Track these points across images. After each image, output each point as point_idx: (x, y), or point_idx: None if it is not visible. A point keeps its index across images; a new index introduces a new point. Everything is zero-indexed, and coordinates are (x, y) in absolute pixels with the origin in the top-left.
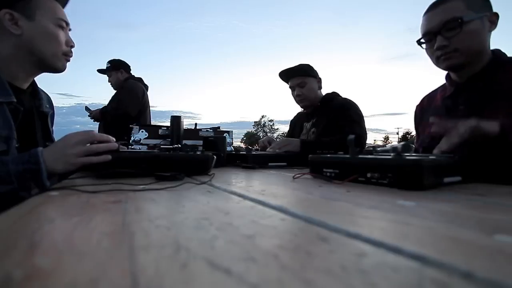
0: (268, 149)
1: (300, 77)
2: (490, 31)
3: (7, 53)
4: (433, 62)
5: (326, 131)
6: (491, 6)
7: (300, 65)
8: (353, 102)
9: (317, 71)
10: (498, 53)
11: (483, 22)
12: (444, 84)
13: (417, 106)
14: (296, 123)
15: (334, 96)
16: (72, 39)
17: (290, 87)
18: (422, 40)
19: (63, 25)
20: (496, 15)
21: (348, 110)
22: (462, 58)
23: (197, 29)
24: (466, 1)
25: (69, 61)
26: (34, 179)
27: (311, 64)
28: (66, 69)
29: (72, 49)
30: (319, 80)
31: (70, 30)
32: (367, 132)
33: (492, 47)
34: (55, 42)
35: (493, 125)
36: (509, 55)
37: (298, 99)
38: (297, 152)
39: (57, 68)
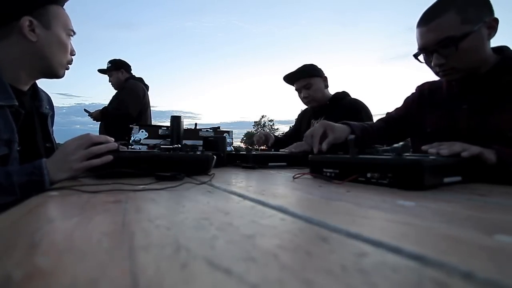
0: (281, 150)
1: (304, 79)
2: (489, 39)
3: (14, 56)
4: (434, 73)
5: None
6: (491, 8)
7: (304, 66)
8: (363, 103)
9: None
10: (507, 52)
11: (481, 33)
12: None
13: (417, 89)
14: (303, 117)
15: (344, 95)
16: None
17: (296, 89)
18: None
19: (72, 34)
20: (496, 20)
21: (360, 112)
22: (460, 73)
23: (197, 29)
24: (461, 13)
25: (68, 69)
26: (37, 190)
27: (315, 64)
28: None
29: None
30: (325, 79)
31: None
32: None
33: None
34: (64, 51)
35: (491, 154)
36: None
37: (306, 100)
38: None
39: (58, 75)
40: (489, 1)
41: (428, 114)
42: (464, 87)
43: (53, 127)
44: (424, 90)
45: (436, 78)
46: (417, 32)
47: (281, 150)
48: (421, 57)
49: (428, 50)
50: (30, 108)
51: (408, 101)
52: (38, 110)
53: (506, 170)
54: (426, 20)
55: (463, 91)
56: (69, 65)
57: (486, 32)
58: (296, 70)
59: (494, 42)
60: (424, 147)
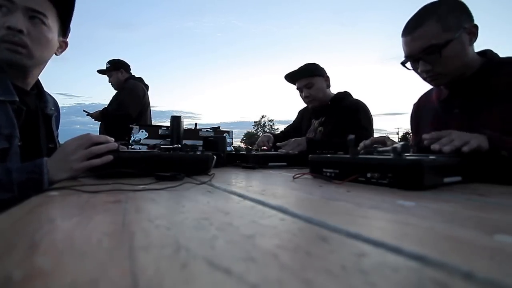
0: (280, 150)
1: (306, 78)
2: (471, 44)
3: None
4: (422, 79)
5: (333, 131)
6: (471, 15)
7: (306, 65)
8: (363, 104)
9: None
10: (490, 55)
11: (462, 39)
12: None
13: (415, 105)
14: (304, 115)
15: (345, 96)
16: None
17: (297, 88)
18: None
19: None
20: (476, 26)
21: (358, 113)
22: (447, 78)
23: (197, 29)
24: (441, 21)
25: (13, 49)
26: (35, 189)
27: (317, 63)
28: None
29: (21, 34)
30: (326, 79)
31: (37, 13)
32: None
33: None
34: None
35: (483, 140)
36: (508, 55)
37: (307, 100)
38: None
39: (2, 58)
40: (468, 9)
41: (422, 128)
42: (453, 92)
43: None
44: (420, 102)
45: (427, 84)
46: (403, 41)
47: (279, 150)
48: (408, 65)
49: (414, 58)
50: (35, 108)
51: (411, 122)
52: (43, 111)
53: (498, 154)
54: (410, 29)
55: (453, 96)
56: (10, 44)
57: (467, 38)
58: (297, 69)
59: (495, 44)
60: (426, 141)
